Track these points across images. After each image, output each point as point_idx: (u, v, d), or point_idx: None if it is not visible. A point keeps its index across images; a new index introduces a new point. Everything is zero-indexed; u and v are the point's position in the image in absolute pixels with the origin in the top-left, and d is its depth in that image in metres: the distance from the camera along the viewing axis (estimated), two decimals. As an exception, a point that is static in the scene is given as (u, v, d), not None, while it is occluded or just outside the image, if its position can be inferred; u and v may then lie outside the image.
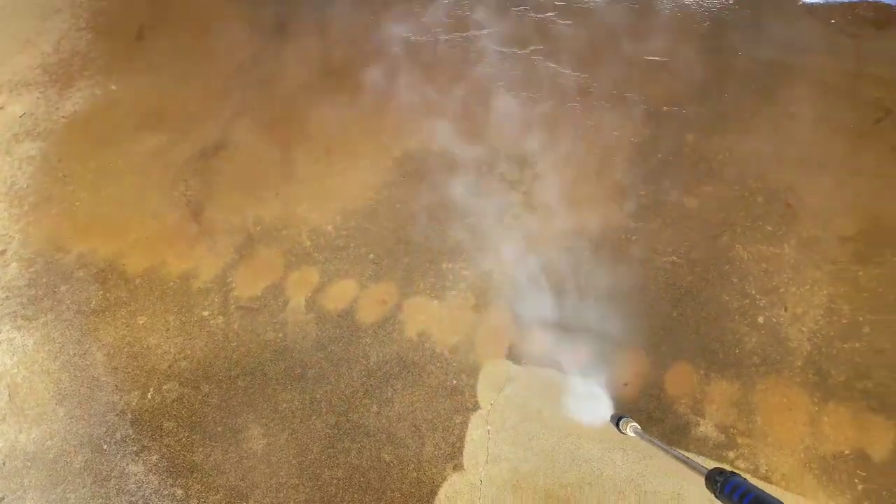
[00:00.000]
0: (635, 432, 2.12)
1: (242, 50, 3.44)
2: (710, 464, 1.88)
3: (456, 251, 2.72)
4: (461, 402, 2.46)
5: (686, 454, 1.81)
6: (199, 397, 2.56)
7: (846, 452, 2.25)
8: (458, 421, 2.42)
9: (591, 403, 2.36)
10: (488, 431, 2.40)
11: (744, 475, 2.16)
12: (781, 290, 2.50)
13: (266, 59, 3.41)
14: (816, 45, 3.07)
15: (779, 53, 3.02)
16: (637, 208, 2.72)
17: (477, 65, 3.17)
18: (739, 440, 2.31)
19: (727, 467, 1.46)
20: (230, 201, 2.95)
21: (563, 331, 2.51)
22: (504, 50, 3.23)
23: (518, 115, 2.98)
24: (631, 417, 2.20)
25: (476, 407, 2.44)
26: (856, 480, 2.23)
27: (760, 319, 2.47)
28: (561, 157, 2.85)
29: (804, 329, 2.43)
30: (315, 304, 2.67)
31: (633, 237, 2.68)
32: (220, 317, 2.70)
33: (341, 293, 2.68)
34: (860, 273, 2.49)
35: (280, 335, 2.63)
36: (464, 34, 3.35)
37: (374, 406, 2.47)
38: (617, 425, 2.21)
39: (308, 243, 2.80)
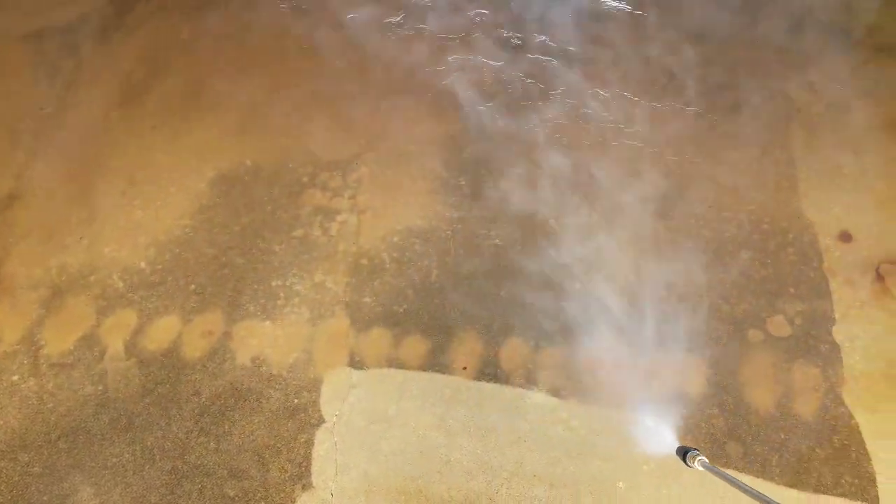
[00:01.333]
0: (703, 466, 2.11)
1: (29, 91, 3.22)
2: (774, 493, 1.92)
3: (285, 267, 2.71)
4: (304, 419, 2.45)
5: (759, 491, 1.78)
6: (19, 468, 2.38)
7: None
8: (302, 440, 2.41)
9: (656, 436, 2.36)
10: (335, 443, 2.41)
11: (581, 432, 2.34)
12: (593, 254, 2.71)
13: (56, 97, 3.22)
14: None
15: (573, 40, 3.29)
16: (459, 198, 2.85)
17: (281, 67, 3.17)
18: (571, 400, 2.48)
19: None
20: (30, 253, 2.75)
21: (397, 326, 2.57)
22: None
23: (336, 118, 3.01)
24: (699, 451, 2.20)
25: (321, 421, 2.44)
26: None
27: (578, 285, 2.67)
28: (382, 159, 2.92)
29: (616, 287, 2.65)
30: (135, 348, 2.56)
31: (459, 226, 2.80)
32: (32, 379, 2.52)
33: (163, 331, 2.58)
34: (660, 228, 2.76)
35: (100, 387, 2.49)
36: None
37: (212, 443, 2.40)
38: (683, 459, 2.21)
39: (121, 284, 2.67)
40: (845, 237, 2.69)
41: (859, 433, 2.34)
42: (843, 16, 3.37)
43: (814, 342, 2.51)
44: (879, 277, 2.61)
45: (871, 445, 2.31)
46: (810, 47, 3.27)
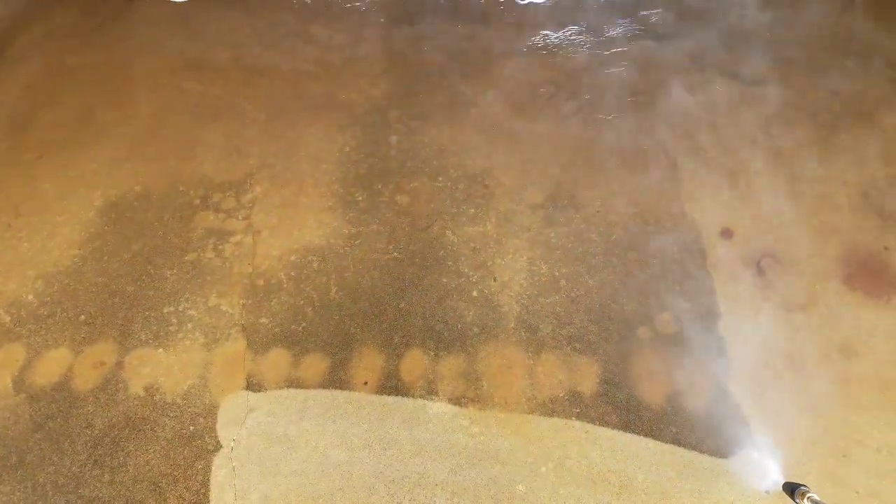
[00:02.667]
0: (814, 503, 2.09)
1: None
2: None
3: (177, 292, 2.72)
4: (201, 446, 2.46)
5: None
6: None
7: (561, 395, 2.58)
8: (200, 467, 2.43)
9: (763, 472, 2.36)
10: (234, 468, 2.43)
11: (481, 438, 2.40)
12: (489, 263, 2.80)
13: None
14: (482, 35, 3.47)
15: (461, 45, 3.38)
16: (356, 213, 2.90)
17: (169, 91, 3.17)
18: (470, 407, 2.56)
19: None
20: (-90, 292, 2.70)
21: (296, 345, 2.61)
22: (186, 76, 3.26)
23: (227, 138, 3.03)
24: (808, 488, 2.18)
25: (218, 447, 2.46)
26: (573, 417, 2.56)
27: (475, 293, 2.75)
28: (276, 177, 2.95)
29: (512, 293, 2.74)
30: (24, 383, 2.54)
31: (357, 241, 2.85)
32: (-85, 423, 2.47)
33: (53, 364, 2.57)
34: (551, 234, 2.87)
35: (-12, 426, 2.47)
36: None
37: (107, 475, 2.40)
38: (791, 495, 2.20)
39: (7, 319, 2.65)
40: (727, 234, 2.84)
41: (747, 424, 2.47)
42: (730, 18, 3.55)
43: (701, 337, 2.64)
44: (761, 271, 2.76)
45: (758, 434, 2.44)
46: (692, 50, 3.43)
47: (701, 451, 2.41)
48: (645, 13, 3.57)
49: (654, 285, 2.73)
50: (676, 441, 2.44)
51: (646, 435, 2.48)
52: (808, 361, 2.58)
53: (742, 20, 3.58)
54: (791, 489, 2.21)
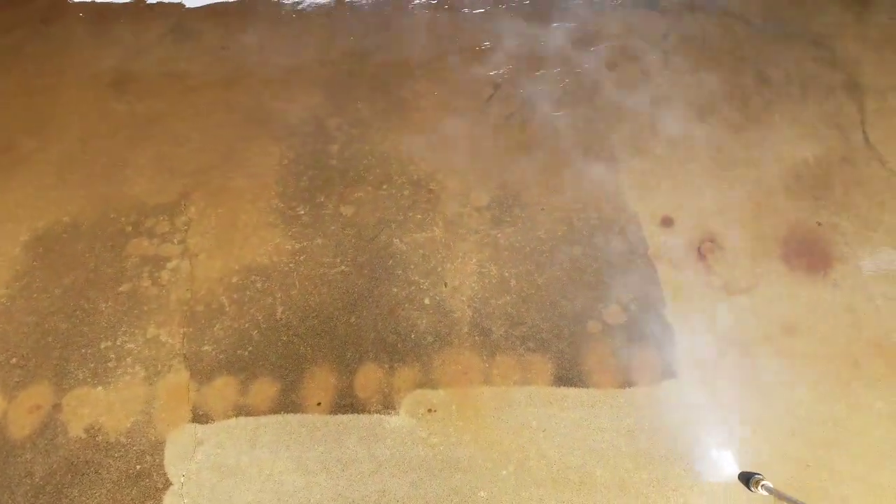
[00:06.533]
0: (767, 490, 2.12)
1: None
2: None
3: (114, 326, 2.59)
4: (150, 484, 2.35)
5: None
6: None
7: (517, 396, 2.55)
8: (149, 506, 2.31)
9: (718, 464, 2.35)
10: (185, 505, 2.32)
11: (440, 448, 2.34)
12: (439, 269, 2.76)
13: None
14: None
15: (395, 55, 3.32)
16: (299, 228, 2.81)
17: (95, 114, 3.02)
18: (429, 417, 2.50)
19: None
20: None
21: (243, 371, 2.50)
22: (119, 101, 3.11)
23: (158, 159, 2.90)
24: (762, 476, 2.20)
25: (168, 484, 2.35)
26: (529, 418, 2.52)
27: (427, 301, 2.70)
28: (212, 196, 2.84)
29: (463, 298, 2.71)
30: (-48, 437, 2.37)
31: (301, 257, 2.76)
32: None
33: (-18, 414, 2.40)
34: (499, 235, 2.84)
35: (-86, 486, 2.29)
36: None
37: (50, 525, 2.26)
38: (746, 484, 2.21)
39: (-70, 370, 2.47)
40: (667, 222, 2.86)
41: (698, 408, 2.49)
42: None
43: (649, 326, 2.65)
44: (701, 256, 2.79)
45: (709, 418, 2.46)
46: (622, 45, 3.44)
47: (656, 440, 2.42)
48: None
49: (601, 278, 2.74)
50: (631, 432, 2.44)
51: (601, 429, 2.47)
52: (753, 342, 2.62)
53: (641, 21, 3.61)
54: (746, 478, 2.25)
